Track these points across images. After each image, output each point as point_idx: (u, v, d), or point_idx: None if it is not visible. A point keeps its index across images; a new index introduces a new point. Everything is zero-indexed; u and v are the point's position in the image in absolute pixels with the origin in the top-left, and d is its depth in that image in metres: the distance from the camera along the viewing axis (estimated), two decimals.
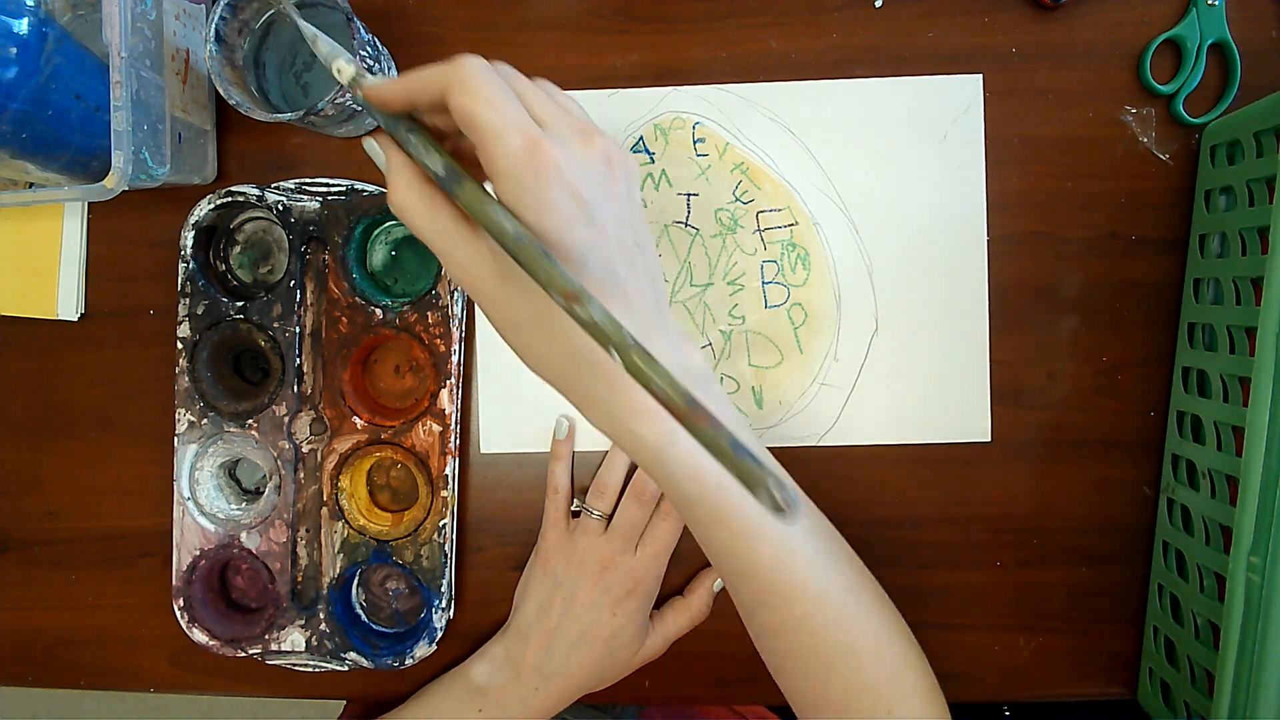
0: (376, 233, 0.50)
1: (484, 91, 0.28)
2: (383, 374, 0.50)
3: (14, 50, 0.39)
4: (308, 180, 0.48)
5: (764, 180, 0.49)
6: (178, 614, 0.48)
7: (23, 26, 0.39)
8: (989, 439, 0.48)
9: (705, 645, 0.49)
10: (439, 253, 0.31)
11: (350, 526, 0.48)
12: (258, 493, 0.50)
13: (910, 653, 0.40)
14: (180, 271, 0.48)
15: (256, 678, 0.51)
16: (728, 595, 0.49)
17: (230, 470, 0.51)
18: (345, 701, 0.52)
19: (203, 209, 0.47)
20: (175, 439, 0.48)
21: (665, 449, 0.33)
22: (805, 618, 0.37)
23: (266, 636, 0.48)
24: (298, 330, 0.48)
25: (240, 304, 0.47)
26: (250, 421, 0.48)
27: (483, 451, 0.50)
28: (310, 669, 0.49)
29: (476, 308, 0.49)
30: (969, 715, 0.54)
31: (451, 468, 0.47)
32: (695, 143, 0.49)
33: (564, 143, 0.29)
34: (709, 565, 0.49)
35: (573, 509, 0.48)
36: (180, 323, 0.48)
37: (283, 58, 0.47)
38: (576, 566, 0.46)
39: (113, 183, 0.41)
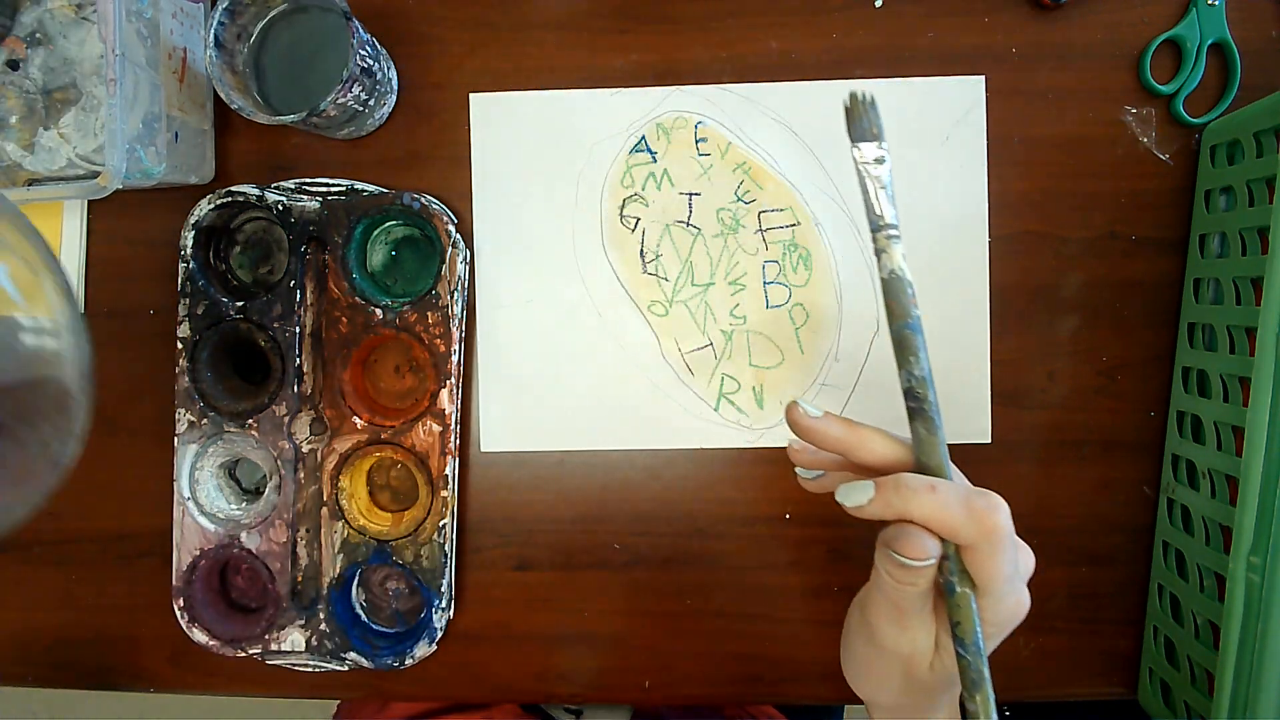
0: (376, 233, 0.50)
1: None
2: (383, 374, 0.50)
3: None
4: (308, 180, 0.48)
5: (766, 180, 0.49)
6: (178, 614, 0.48)
7: None
8: (989, 440, 0.49)
9: (706, 645, 0.49)
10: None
11: (350, 526, 0.48)
12: (258, 493, 0.50)
13: None
14: (180, 271, 0.48)
15: (256, 678, 0.51)
16: (729, 595, 0.49)
17: (230, 470, 0.51)
18: (338, 701, 0.52)
19: (203, 209, 0.47)
20: (175, 439, 0.48)
21: None
22: None
23: (266, 636, 0.48)
24: (298, 330, 0.47)
25: (240, 304, 0.47)
26: (250, 421, 0.48)
27: (483, 451, 0.50)
28: (310, 669, 0.49)
29: (477, 311, 0.49)
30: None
31: (451, 468, 0.47)
32: (697, 142, 0.49)
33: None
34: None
35: None
36: (180, 323, 0.48)
37: (281, 60, 0.47)
38: None
39: (106, 180, 0.41)
